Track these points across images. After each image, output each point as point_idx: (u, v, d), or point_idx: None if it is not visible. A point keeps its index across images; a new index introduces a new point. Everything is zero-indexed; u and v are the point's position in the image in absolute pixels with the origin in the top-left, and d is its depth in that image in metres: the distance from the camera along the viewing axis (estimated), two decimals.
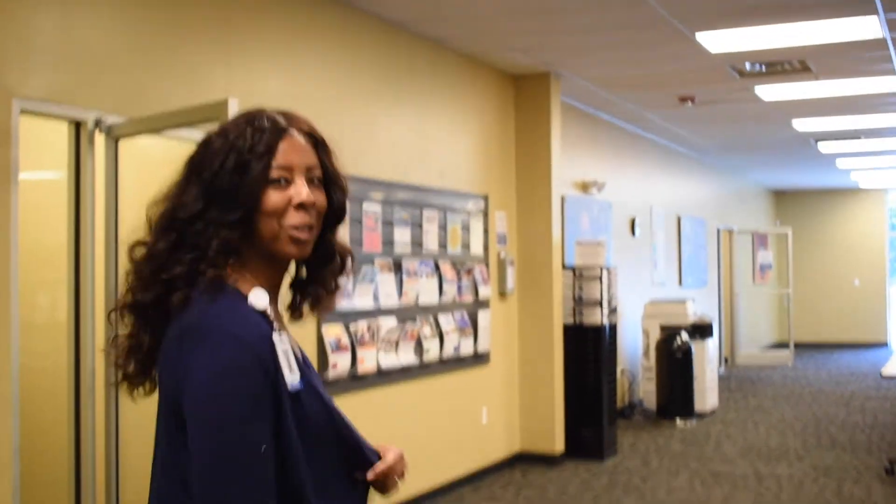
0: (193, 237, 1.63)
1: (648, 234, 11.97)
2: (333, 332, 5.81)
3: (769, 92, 9.16)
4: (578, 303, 8.59)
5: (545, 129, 8.39)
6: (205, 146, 1.69)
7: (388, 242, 6.50)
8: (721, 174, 15.98)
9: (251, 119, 1.68)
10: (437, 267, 7.03)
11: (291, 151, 1.67)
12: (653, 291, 11.80)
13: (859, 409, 10.99)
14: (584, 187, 9.93)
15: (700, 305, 12.27)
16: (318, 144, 1.74)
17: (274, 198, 1.64)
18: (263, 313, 1.63)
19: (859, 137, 12.39)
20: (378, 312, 6.32)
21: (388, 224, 6.50)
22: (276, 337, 1.60)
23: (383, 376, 6.40)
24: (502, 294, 8.09)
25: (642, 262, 11.78)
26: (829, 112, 10.53)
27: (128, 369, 1.69)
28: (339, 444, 1.70)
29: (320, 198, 1.71)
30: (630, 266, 11.19)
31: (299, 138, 1.70)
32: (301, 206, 1.66)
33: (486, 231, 7.82)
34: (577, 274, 8.62)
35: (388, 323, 6.41)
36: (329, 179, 1.75)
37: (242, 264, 1.67)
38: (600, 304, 8.53)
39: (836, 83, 8.82)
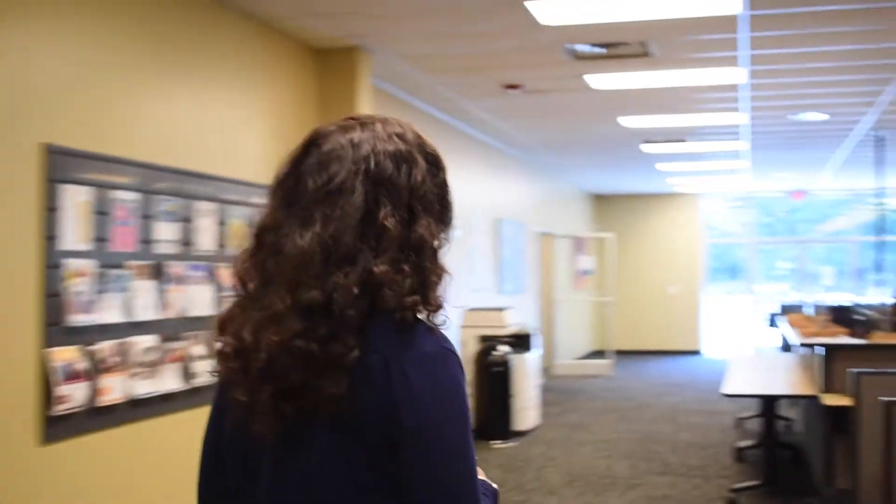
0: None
1: (468, 237, 10.98)
2: (64, 355, 4.47)
3: (600, 81, 8.28)
4: None
5: (352, 113, 7.23)
6: (435, 170, 1.68)
7: (147, 241, 5.19)
8: (542, 176, 15.23)
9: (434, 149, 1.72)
10: (212, 272, 5.76)
11: None
12: (471, 299, 10.82)
13: (686, 426, 10.30)
14: None
15: (519, 313, 11.40)
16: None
17: None
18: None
19: (684, 140, 11.79)
20: (131, 329, 5.01)
21: (148, 217, 5.19)
22: None
23: (137, 408, 5.09)
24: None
25: (460, 267, 10.78)
26: (658, 109, 9.79)
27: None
28: None
29: None
30: (450, 271, 10.18)
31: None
32: None
33: None
34: None
35: (144, 342, 5.10)
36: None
37: None
38: None
39: (673, 74, 8.02)
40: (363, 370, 1.48)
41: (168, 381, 5.30)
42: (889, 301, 12.17)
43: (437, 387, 1.50)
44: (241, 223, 6.11)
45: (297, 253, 1.51)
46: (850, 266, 19.42)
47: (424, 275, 1.59)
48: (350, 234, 1.52)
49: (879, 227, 12.37)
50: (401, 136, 1.65)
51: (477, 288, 11.28)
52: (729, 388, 7.01)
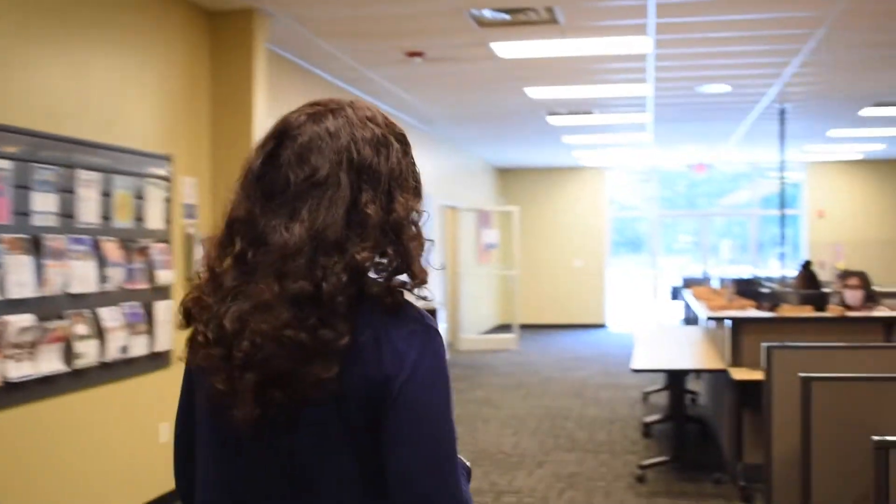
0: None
1: None
2: None
3: (507, 49, 8.07)
4: None
5: (247, 82, 6.89)
6: (406, 149, 1.70)
7: (23, 213, 4.81)
8: (447, 149, 15.00)
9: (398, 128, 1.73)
10: (96, 246, 5.40)
11: None
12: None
13: (593, 401, 10.21)
14: None
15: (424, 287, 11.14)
16: None
17: None
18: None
19: (591, 112, 11.67)
20: (4, 307, 4.64)
21: (24, 188, 4.81)
22: None
23: (13, 393, 4.73)
24: (190, 280, 6.53)
25: None
26: (565, 80, 9.63)
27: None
28: None
29: None
30: None
31: None
32: None
33: (168, 201, 6.25)
34: None
35: (20, 321, 4.73)
36: None
37: None
38: None
39: (580, 42, 7.84)
40: (354, 350, 1.51)
41: (47, 364, 4.95)
42: (791, 274, 12.29)
43: (426, 359, 1.55)
44: (129, 194, 5.75)
45: (283, 244, 1.53)
46: (750, 239, 19.65)
47: (407, 252, 1.60)
48: (337, 225, 1.55)
49: (780, 200, 12.40)
50: (372, 120, 1.66)
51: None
52: (637, 362, 6.88)
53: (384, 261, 1.58)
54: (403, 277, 1.60)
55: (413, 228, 1.63)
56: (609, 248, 19.68)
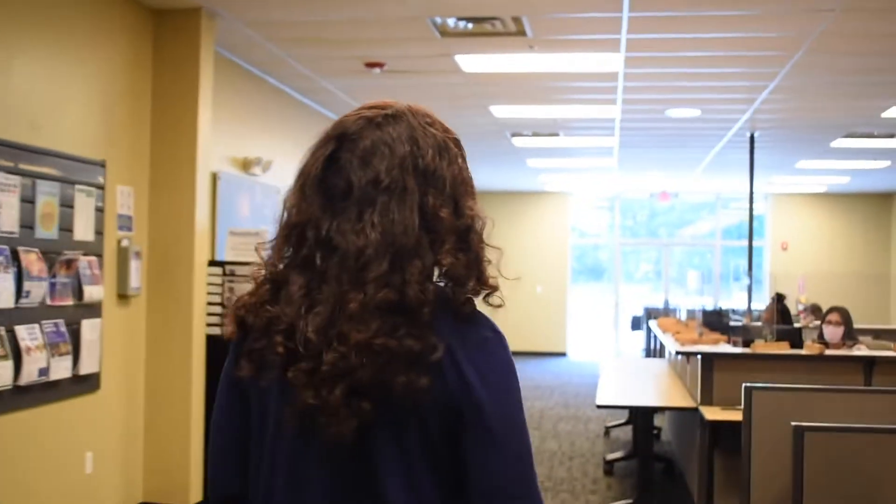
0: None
1: None
2: None
3: (471, 62, 7.66)
4: (228, 307, 6.69)
5: (192, 85, 6.42)
6: (463, 154, 1.69)
7: None
8: None
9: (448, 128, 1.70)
10: (14, 257, 4.90)
11: None
12: None
13: (553, 434, 9.75)
14: (245, 165, 8.03)
15: None
16: None
17: None
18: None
19: (557, 134, 11.30)
20: None
21: None
22: None
23: None
24: (123, 296, 6.04)
25: None
26: (532, 98, 9.24)
27: None
28: None
29: None
30: None
31: None
32: None
33: (101, 210, 5.76)
34: (229, 271, 6.72)
35: None
36: None
37: None
38: None
39: (549, 58, 7.46)
40: (436, 364, 1.50)
41: None
42: (757, 306, 11.95)
43: (500, 368, 1.56)
44: (54, 201, 5.26)
45: (359, 250, 1.52)
46: (713, 270, 19.37)
47: (479, 258, 1.61)
48: (410, 230, 1.54)
49: (749, 230, 12.08)
50: (432, 125, 1.65)
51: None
52: (602, 397, 6.45)
53: (463, 268, 1.58)
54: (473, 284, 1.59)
55: (481, 235, 1.63)
56: (570, 276, 19.31)
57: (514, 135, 11.43)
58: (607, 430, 9.73)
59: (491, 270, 1.65)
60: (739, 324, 9.57)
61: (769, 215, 18.55)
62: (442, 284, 1.56)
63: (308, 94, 9.16)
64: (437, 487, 1.53)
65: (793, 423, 3.72)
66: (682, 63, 7.71)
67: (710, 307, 9.40)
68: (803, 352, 6.22)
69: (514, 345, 11.43)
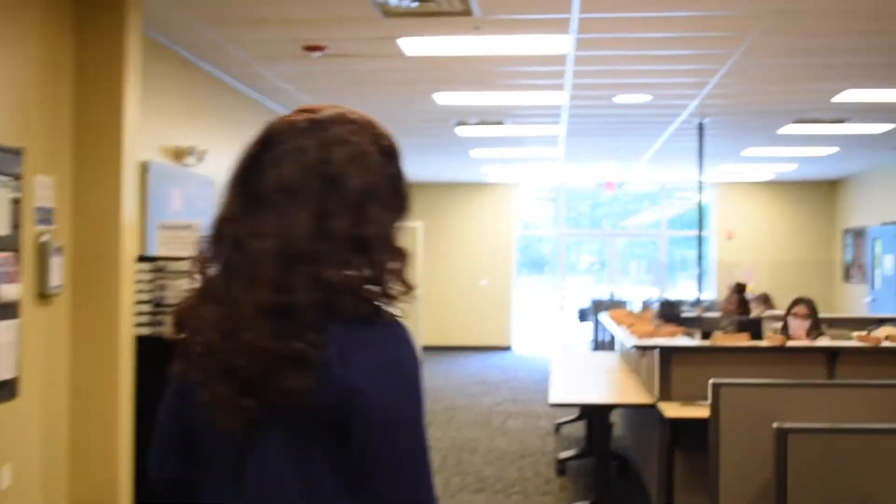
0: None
1: None
2: None
3: (415, 46, 7.31)
4: (159, 306, 6.28)
5: (118, 70, 5.97)
6: (389, 161, 1.72)
7: None
8: None
9: (384, 133, 1.75)
10: None
11: None
12: None
13: (502, 432, 9.45)
14: (178, 155, 7.61)
15: None
16: None
17: None
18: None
19: (502, 122, 10.99)
20: None
21: None
22: None
23: None
24: (43, 295, 5.60)
25: None
26: (476, 84, 8.92)
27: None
28: None
29: None
30: None
31: None
32: None
33: (17, 202, 5.32)
34: (159, 268, 6.31)
35: None
36: None
37: None
38: None
39: (496, 40, 7.14)
40: (323, 366, 1.53)
41: None
42: (705, 297, 11.78)
43: (392, 373, 1.55)
44: None
45: (255, 253, 1.57)
46: (659, 261, 19.23)
47: (380, 269, 1.61)
48: (304, 236, 1.57)
49: (699, 219, 11.89)
50: (356, 132, 1.67)
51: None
52: (555, 395, 6.15)
53: (353, 277, 1.59)
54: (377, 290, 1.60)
55: (388, 244, 1.64)
56: (515, 269, 19.04)
57: (459, 123, 11.11)
58: (558, 427, 9.46)
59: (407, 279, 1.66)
60: (692, 315, 9.37)
61: (714, 205, 18.43)
62: (344, 294, 1.57)
63: (245, 81, 8.75)
64: (335, 481, 1.55)
65: (775, 426, 3.44)
66: (634, 45, 7.43)
67: (668, 299, 9.12)
68: (764, 344, 5.97)
69: (458, 339, 11.18)
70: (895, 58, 7.82)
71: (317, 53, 7.47)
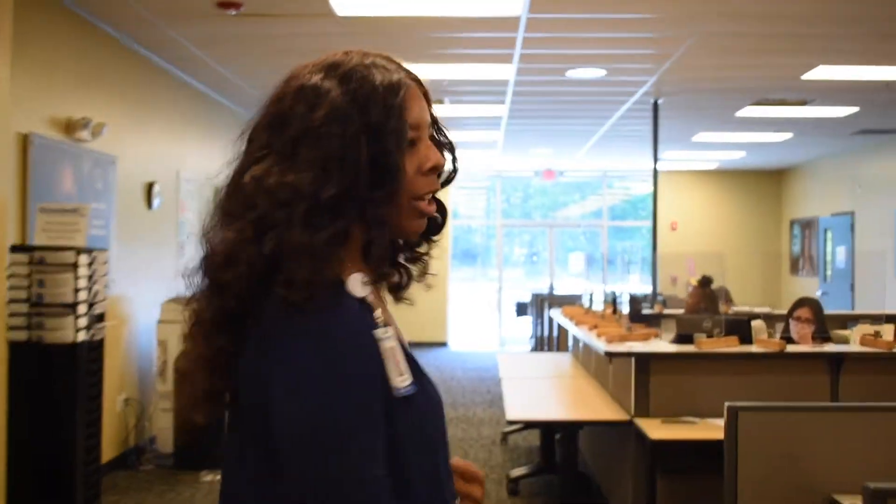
0: (340, 222, 1.34)
1: (174, 206, 8.75)
2: None
3: (346, 3, 6.33)
4: (37, 306, 5.24)
5: None
6: (309, 102, 1.37)
7: None
8: None
9: (366, 65, 1.41)
10: None
11: (418, 105, 1.44)
12: (179, 286, 8.58)
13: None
14: (69, 128, 6.52)
15: None
16: (427, 95, 1.50)
17: (406, 164, 1.40)
18: (363, 302, 1.37)
19: (442, 101, 10.06)
20: None
21: None
22: (380, 332, 1.34)
23: None
24: None
25: (164, 246, 8.55)
26: (416, 54, 7.97)
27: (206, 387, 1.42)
28: (444, 451, 1.44)
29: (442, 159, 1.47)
30: (146, 250, 7.98)
31: (416, 88, 1.46)
32: (432, 171, 1.44)
33: None
34: (37, 259, 5.26)
35: None
36: (439, 136, 1.52)
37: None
38: (73, 308, 5.24)
39: None
40: (242, 368, 1.37)
41: None
42: (646, 289, 10.93)
43: (303, 382, 1.29)
44: None
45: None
46: (600, 252, 18.46)
47: (285, 244, 1.33)
48: (226, 198, 1.42)
49: (653, 207, 11.09)
50: (332, 65, 1.41)
51: (186, 272, 9.05)
52: (513, 409, 5.21)
53: (243, 250, 1.35)
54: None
55: (308, 212, 1.33)
56: (450, 261, 18.12)
57: None
58: (505, 437, 8.48)
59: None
60: (650, 312, 8.53)
61: (657, 194, 17.66)
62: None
63: (151, 46, 7.67)
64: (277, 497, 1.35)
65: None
66: (592, 7, 6.54)
67: (630, 294, 8.22)
68: (761, 350, 5.10)
69: None
70: (874, 27, 7.03)
71: (232, 11, 6.43)
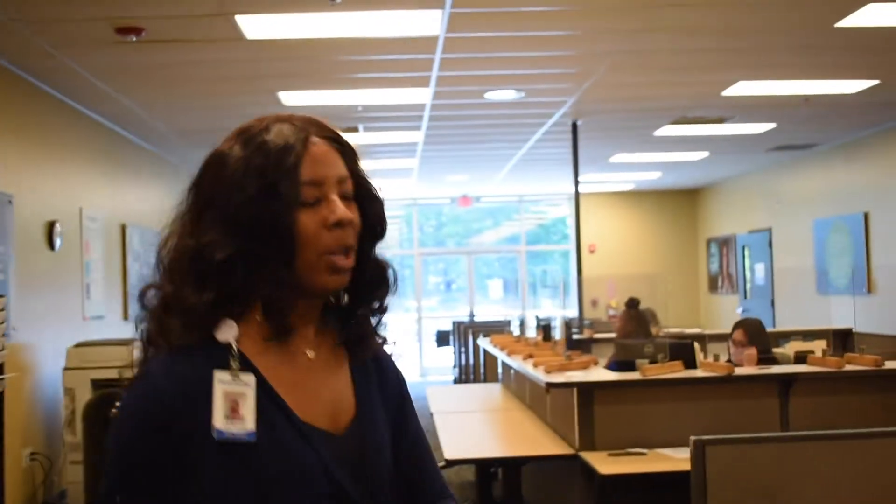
0: (231, 281, 1.42)
1: (78, 247, 8.26)
2: None
3: (257, 26, 6.01)
4: None
5: None
6: (216, 167, 1.48)
7: None
8: (185, 175, 12.67)
9: (266, 128, 1.47)
10: None
11: (319, 163, 1.47)
12: (85, 330, 8.11)
13: None
14: None
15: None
16: (346, 151, 1.52)
17: (307, 221, 1.44)
18: (228, 347, 1.42)
19: (356, 129, 9.78)
20: None
21: None
22: (218, 374, 1.39)
23: None
24: None
25: (69, 289, 8.06)
26: (329, 79, 7.71)
27: None
28: None
29: (356, 214, 1.50)
30: (50, 294, 7.50)
31: (324, 146, 1.48)
32: (338, 226, 1.45)
33: None
34: None
35: None
36: (361, 191, 1.52)
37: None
38: None
39: (356, 18, 5.93)
40: None
41: None
42: (566, 314, 10.73)
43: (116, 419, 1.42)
44: None
45: None
46: (519, 278, 18.29)
47: (177, 300, 1.45)
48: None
49: (577, 230, 10.91)
50: (242, 131, 1.50)
51: (95, 315, 8.58)
52: (450, 448, 4.88)
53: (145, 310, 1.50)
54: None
55: (176, 266, 1.46)
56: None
57: None
58: None
59: None
60: (580, 337, 8.31)
61: (574, 216, 17.58)
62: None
63: (47, 77, 7.23)
64: None
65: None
66: (512, 24, 6.32)
67: (562, 319, 7.98)
68: (706, 373, 4.88)
69: None
70: (793, 39, 6.94)
71: (132, 37, 6.05)
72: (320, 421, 1.46)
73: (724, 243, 16.12)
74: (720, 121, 10.12)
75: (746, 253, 15.07)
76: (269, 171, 1.42)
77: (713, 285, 16.79)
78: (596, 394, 4.73)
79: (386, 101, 8.51)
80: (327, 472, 1.43)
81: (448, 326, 15.41)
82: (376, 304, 1.58)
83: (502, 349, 7.08)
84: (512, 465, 5.26)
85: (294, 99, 8.20)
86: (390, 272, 1.59)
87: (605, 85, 8.13)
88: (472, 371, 11.22)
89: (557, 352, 6.04)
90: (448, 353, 15.26)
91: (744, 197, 15.41)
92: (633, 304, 7.78)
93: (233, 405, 1.38)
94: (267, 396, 1.42)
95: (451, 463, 4.64)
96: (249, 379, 1.41)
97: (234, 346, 1.42)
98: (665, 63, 7.49)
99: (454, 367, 14.18)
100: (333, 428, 1.48)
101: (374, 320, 1.60)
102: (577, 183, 10.18)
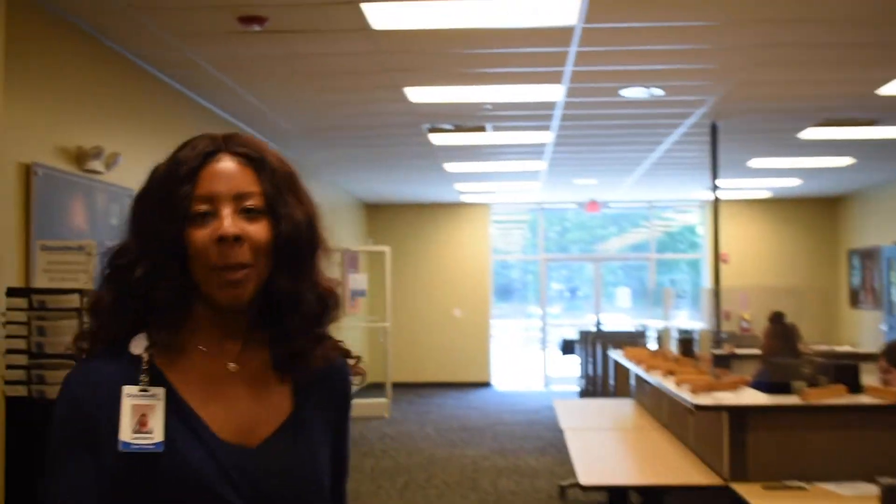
0: (134, 285, 1.48)
1: None
2: None
3: (384, 15, 5.69)
4: (37, 357, 4.59)
5: None
6: (147, 177, 1.55)
7: None
8: (304, 175, 12.49)
9: (189, 143, 1.54)
10: None
11: (215, 178, 1.49)
12: None
13: (494, 497, 7.75)
14: (80, 158, 5.90)
15: None
16: (261, 168, 1.53)
17: (197, 235, 1.46)
18: (139, 359, 1.47)
19: (483, 128, 9.41)
20: None
21: None
22: (126, 389, 1.44)
23: None
24: None
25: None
26: (456, 74, 7.34)
27: None
28: None
29: (256, 230, 1.48)
30: None
31: (228, 162, 1.51)
32: (222, 241, 1.44)
33: None
34: (38, 304, 4.62)
35: None
36: (272, 207, 1.51)
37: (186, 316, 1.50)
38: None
39: (484, 5, 5.56)
40: None
41: None
42: (693, 324, 10.18)
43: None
44: None
45: None
46: (647, 286, 17.67)
47: (96, 300, 1.56)
48: None
49: (715, 239, 10.33)
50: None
51: None
52: (585, 473, 4.47)
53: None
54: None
55: (105, 275, 1.54)
56: (492, 297, 17.39)
57: (432, 129, 9.50)
58: (563, 490, 7.74)
59: None
60: (718, 352, 7.77)
61: (707, 225, 16.91)
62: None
63: (168, 69, 7.07)
64: None
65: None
66: (652, 15, 5.87)
67: (687, 330, 7.47)
68: (874, 400, 4.34)
69: (430, 375, 9.02)
70: None
71: (256, 26, 5.81)
72: (230, 434, 1.46)
73: (868, 255, 15.22)
74: (871, 123, 9.43)
75: (892, 266, 14.18)
76: (166, 184, 1.48)
77: (854, 299, 15.88)
78: (750, 419, 4.25)
79: (515, 99, 8.12)
80: (223, 484, 1.43)
81: (571, 334, 14.94)
82: (301, 324, 1.53)
83: (638, 363, 6.61)
84: (652, 495, 4.80)
85: (420, 95, 7.89)
86: (329, 300, 1.57)
87: (747, 82, 7.59)
88: (600, 382, 10.77)
89: (701, 369, 5.56)
90: (573, 363, 14.78)
91: (891, 207, 14.50)
92: (778, 318, 7.22)
93: (141, 418, 1.42)
94: (176, 408, 1.44)
95: (585, 489, 4.22)
96: (159, 392, 1.45)
97: (143, 359, 1.46)
98: (814, 57, 6.91)
99: (580, 377, 13.72)
100: (246, 441, 1.47)
101: (319, 334, 1.56)
102: (715, 189, 9.61)
